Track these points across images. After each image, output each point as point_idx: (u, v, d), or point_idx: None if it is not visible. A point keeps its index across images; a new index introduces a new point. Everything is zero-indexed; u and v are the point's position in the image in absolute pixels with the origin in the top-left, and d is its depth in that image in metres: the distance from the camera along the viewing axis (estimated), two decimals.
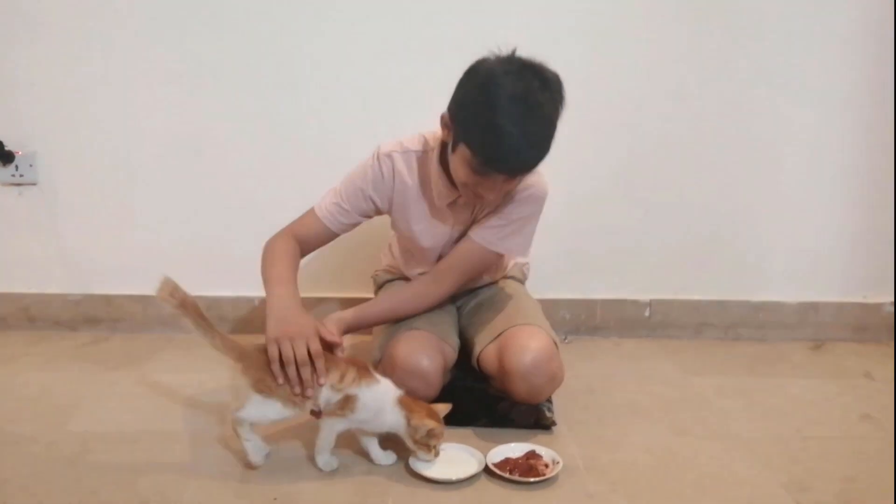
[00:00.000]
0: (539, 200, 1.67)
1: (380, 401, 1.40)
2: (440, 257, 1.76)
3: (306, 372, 1.37)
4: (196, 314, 1.39)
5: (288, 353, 1.36)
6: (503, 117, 1.38)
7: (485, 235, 1.67)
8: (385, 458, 1.46)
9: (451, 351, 1.69)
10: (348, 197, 1.69)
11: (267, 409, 1.38)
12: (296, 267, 1.62)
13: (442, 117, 1.54)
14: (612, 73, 2.22)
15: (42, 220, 2.31)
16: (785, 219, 2.32)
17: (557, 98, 1.44)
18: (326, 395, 1.38)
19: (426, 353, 1.59)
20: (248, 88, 2.23)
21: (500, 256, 1.79)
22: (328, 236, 1.72)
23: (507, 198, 1.63)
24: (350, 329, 1.65)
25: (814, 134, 2.27)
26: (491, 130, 1.39)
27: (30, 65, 2.21)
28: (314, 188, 2.25)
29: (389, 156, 1.68)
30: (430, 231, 1.72)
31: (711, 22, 2.20)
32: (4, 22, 2.19)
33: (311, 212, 1.72)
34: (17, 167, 2.25)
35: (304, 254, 1.69)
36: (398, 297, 1.76)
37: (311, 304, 2.33)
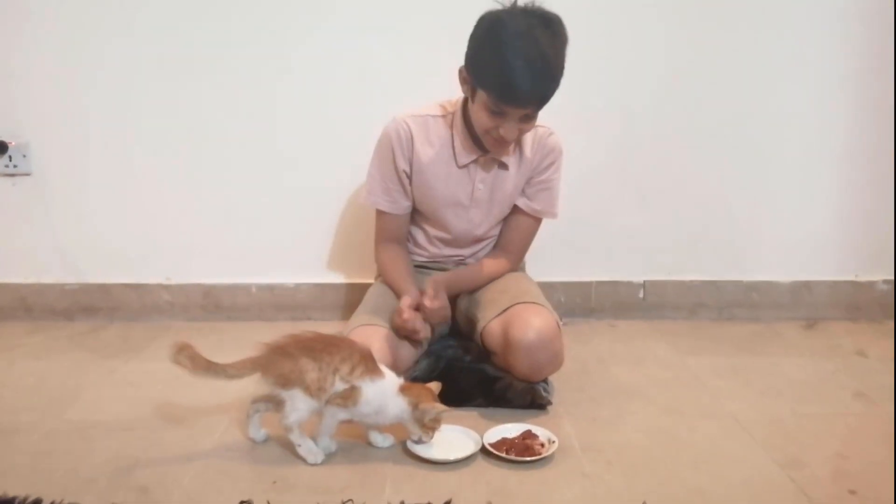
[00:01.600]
0: (561, 156, 1.85)
1: (382, 396, 1.40)
2: (461, 226, 1.86)
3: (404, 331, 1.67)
4: (210, 368, 1.41)
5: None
6: (510, 53, 1.51)
7: (535, 206, 1.86)
8: (383, 440, 1.48)
9: (408, 348, 1.71)
10: (388, 177, 1.82)
11: (298, 402, 1.39)
12: (404, 264, 1.86)
13: (460, 72, 1.67)
14: (607, 57, 2.22)
15: (37, 210, 2.30)
16: (777, 199, 2.33)
17: (560, 33, 1.56)
18: (337, 384, 1.38)
19: (375, 349, 1.55)
20: (243, 79, 2.23)
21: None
22: (403, 218, 1.88)
23: (538, 164, 1.82)
24: (446, 289, 1.77)
25: (805, 115, 2.28)
26: (500, 67, 1.52)
27: (23, 55, 2.20)
28: (308, 177, 2.27)
29: (404, 121, 1.79)
30: (451, 190, 1.82)
31: (707, 6, 2.20)
32: (1, 17, 2.18)
33: (378, 213, 1.88)
34: (10, 158, 2.25)
35: (403, 240, 1.92)
36: (479, 272, 1.88)
37: (316, 290, 2.34)
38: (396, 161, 1.79)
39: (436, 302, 1.69)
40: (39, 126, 2.25)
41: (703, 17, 2.21)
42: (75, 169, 2.28)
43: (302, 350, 1.40)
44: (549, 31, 1.54)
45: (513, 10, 1.56)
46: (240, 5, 2.18)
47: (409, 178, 1.82)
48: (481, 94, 1.59)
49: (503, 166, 1.80)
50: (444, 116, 1.80)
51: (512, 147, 1.77)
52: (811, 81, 2.26)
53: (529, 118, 1.63)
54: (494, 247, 1.95)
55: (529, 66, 1.51)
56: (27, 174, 2.28)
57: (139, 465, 1.42)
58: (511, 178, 1.82)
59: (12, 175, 2.28)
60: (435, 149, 1.78)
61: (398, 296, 1.77)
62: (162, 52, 2.21)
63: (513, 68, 1.51)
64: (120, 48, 2.20)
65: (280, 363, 1.39)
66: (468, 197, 1.83)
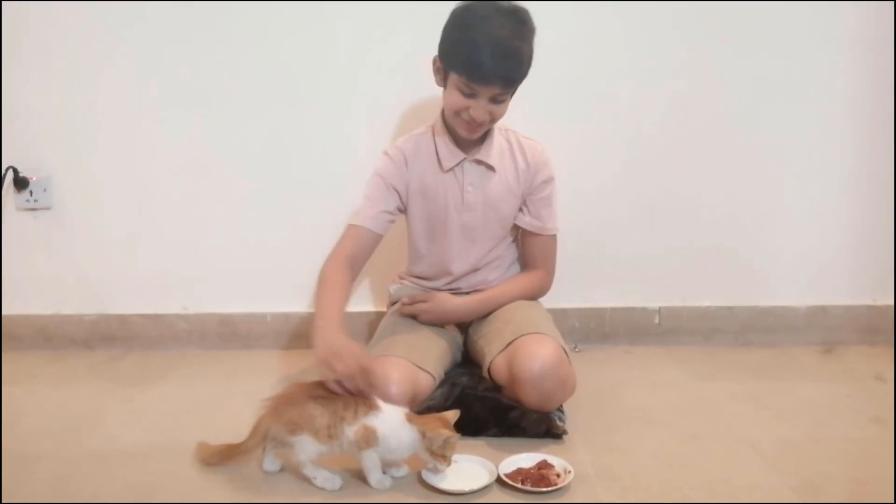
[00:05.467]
0: (553, 170, 1.91)
1: (394, 427, 1.40)
2: (458, 242, 1.89)
3: (353, 382, 1.42)
4: (232, 453, 1.48)
5: (339, 368, 1.42)
6: (477, 33, 1.63)
7: (539, 225, 1.90)
8: (397, 470, 1.47)
9: (428, 379, 1.69)
10: (373, 194, 1.86)
11: (306, 445, 1.40)
12: (343, 295, 1.73)
13: (433, 62, 1.77)
14: (615, 81, 2.24)
15: (57, 242, 2.34)
16: (791, 222, 2.33)
17: (527, 22, 1.68)
18: (347, 432, 1.39)
19: (395, 380, 1.58)
20: (255, 111, 2.26)
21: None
22: (372, 238, 1.83)
23: (533, 178, 1.88)
24: (483, 305, 1.88)
25: (818, 136, 2.28)
26: (468, 47, 1.64)
27: (42, 93, 2.25)
28: (322, 205, 2.29)
29: (397, 146, 1.88)
30: (442, 196, 1.86)
31: (713, 28, 2.22)
32: (17, 52, 2.23)
33: (349, 226, 1.85)
34: (31, 192, 2.29)
35: (357, 266, 1.82)
36: (517, 288, 1.92)
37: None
38: (391, 183, 1.85)
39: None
40: (59, 162, 2.29)
41: (711, 40, 2.22)
42: (94, 202, 2.32)
43: (308, 396, 1.42)
44: (515, 18, 1.66)
45: (481, 1, 1.69)
46: (253, 41, 2.22)
47: (405, 200, 1.88)
48: (453, 78, 1.70)
49: (490, 168, 1.85)
50: (428, 131, 1.89)
51: (496, 151, 1.85)
52: (824, 103, 2.26)
53: (498, 101, 1.71)
54: (522, 269, 1.99)
55: (495, 45, 1.62)
56: (47, 208, 2.32)
57: (157, 492, 1.43)
58: (500, 182, 1.87)
59: (33, 209, 2.32)
60: (424, 161, 1.87)
61: (328, 329, 1.59)
62: (176, 89, 2.25)
63: (480, 46, 1.62)
64: (135, 85, 2.25)
65: (287, 410, 1.41)
66: (459, 202, 1.86)
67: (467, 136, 1.79)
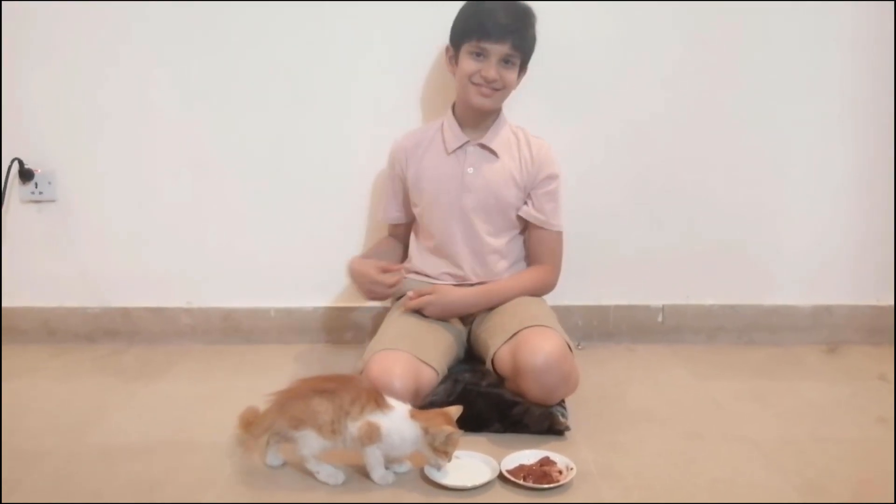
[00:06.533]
0: (559, 167, 1.97)
1: (399, 424, 1.40)
2: (458, 225, 1.94)
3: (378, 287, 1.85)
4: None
5: (362, 287, 1.88)
6: (487, 3, 1.83)
7: (542, 219, 1.95)
8: (399, 466, 1.47)
9: (431, 374, 1.70)
10: (386, 191, 2.10)
11: (310, 440, 1.40)
12: (382, 246, 2.12)
13: (446, 50, 1.94)
14: (620, 80, 2.23)
15: (61, 235, 2.34)
16: (795, 221, 2.32)
17: (528, 8, 1.88)
18: (350, 428, 1.39)
19: (397, 375, 1.60)
20: (257, 107, 2.26)
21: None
22: (397, 231, 2.14)
23: (537, 173, 1.93)
24: (487, 297, 1.92)
25: (819, 136, 2.28)
26: (477, 11, 1.83)
27: (48, 87, 2.25)
28: (322, 201, 2.30)
29: (399, 143, 2.03)
30: (442, 176, 1.95)
31: (717, 27, 2.21)
32: (23, 47, 2.23)
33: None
34: (36, 185, 2.29)
35: (399, 240, 2.14)
36: (522, 282, 1.96)
37: (334, 313, 2.36)
38: (396, 173, 2.03)
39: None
40: (64, 156, 2.29)
41: (716, 38, 2.22)
42: (99, 196, 2.32)
43: (313, 391, 1.42)
44: (520, 4, 1.86)
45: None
46: (256, 40, 2.22)
47: (409, 190, 2.01)
48: (465, 49, 1.84)
49: (493, 153, 1.92)
50: (439, 122, 2.00)
51: (502, 141, 1.93)
52: (825, 103, 2.26)
53: (509, 62, 1.85)
54: (528, 266, 2.01)
55: (504, 7, 1.82)
56: (52, 201, 2.32)
57: (160, 487, 1.43)
58: (502, 168, 1.92)
59: (38, 202, 2.32)
60: (426, 150, 1.98)
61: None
62: (180, 86, 2.25)
63: (489, 9, 1.81)
64: (139, 81, 2.25)
65: (292, 405, 1.41)
66: (459, 183, 1.92)
67: (481, 103, 1.86)
